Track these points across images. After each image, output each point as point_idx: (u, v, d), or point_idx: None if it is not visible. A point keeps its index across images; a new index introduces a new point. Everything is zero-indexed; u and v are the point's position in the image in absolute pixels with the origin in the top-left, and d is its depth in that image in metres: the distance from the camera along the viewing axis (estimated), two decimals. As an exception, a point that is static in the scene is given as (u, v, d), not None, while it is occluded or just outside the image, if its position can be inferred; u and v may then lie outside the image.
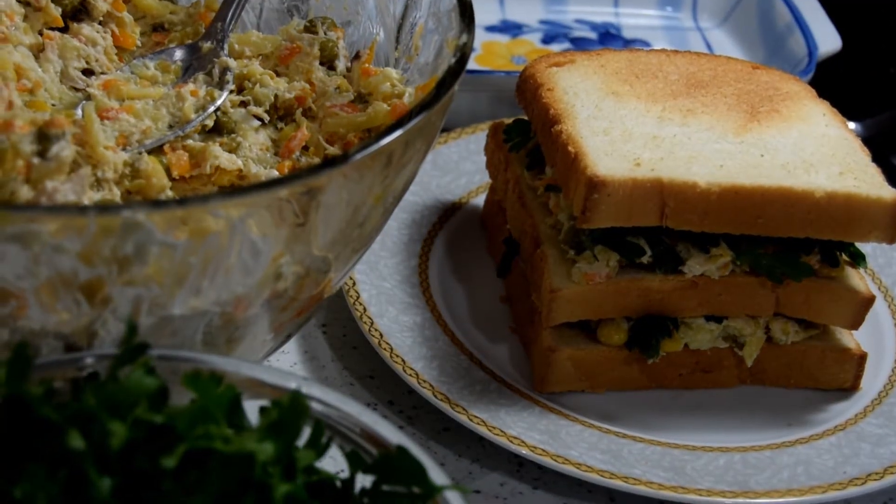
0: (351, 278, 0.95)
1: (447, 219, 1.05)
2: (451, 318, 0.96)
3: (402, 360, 0.89)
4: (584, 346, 0.90)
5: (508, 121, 1.02)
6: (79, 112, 0.82)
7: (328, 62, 0.90)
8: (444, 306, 0.97)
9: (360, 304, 0.93)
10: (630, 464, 0.85)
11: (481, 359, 0.92)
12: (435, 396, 0.87)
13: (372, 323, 0.92)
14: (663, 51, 1.01)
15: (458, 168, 1.09)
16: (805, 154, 0.91)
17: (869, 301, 0.91)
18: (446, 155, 1.09)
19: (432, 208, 1.05)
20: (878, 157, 0.93)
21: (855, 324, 0.93)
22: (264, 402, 0.61)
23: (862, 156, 0.92)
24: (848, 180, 0.89)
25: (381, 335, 0.91)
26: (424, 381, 0.88)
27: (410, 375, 0.88)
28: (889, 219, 0.88)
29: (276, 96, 0.87)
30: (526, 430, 0.86)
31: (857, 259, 0.93)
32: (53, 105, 0.84)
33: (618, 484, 0.83)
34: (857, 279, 0.92)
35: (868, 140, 0.95)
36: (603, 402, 0.91)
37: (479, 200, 1.07)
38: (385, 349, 0.90)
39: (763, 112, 0.94)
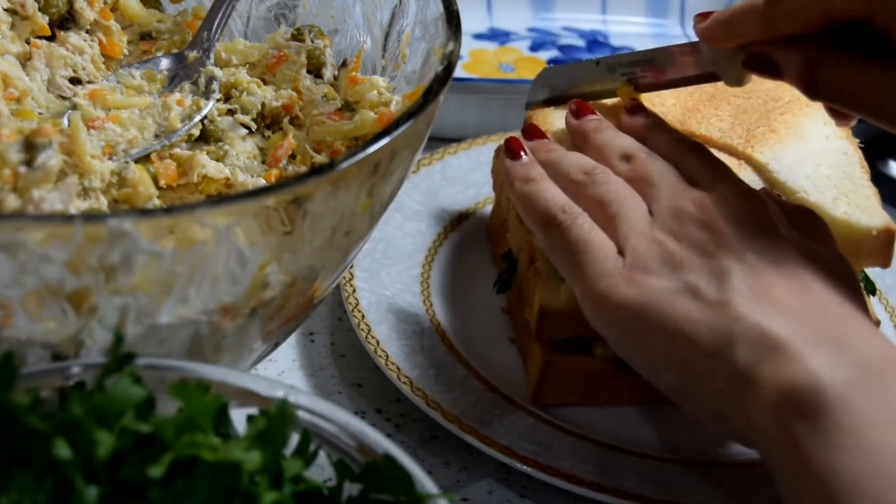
0: (351, 285, 0.95)
1: (453, 229, 1.05)
2: (451, 327, 0.95)
3: (398, 368, 0.89)
4: (579, 359, 0.90)
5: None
6: (65, 121, 0.81)
7: (315, 70, 0.91)
8: (445, 315, 0.96)
9: (359, 311, 0.93)
10: (621, 477, 0.84)
11: (478, 369, 0.92)
12: (427, 405, 0.87)
13: (369, 330, 0.92)
14: None
15: (466, 178, 1.08)
16: (800, 178, 0.90)
17: (875, 325, 0.91)
18: (455, 165, 1.09)
19: (438, 218, 1.05)
20: (869, 167, 0.93)
21: None
22: (252, 411, 0.61)
23: (860, 174, 0.92)
24: (840, 206, 0.89)
25: (377, 342, 0.91)
26: (418, 390, 0.87)
27: (404, 383, 0.88)
28: (880, 246, 0.88)
29: (263, 104, 0.87)
30: (517, 440, 0.86)
31: (868, 286, 0.93)
32: (40, 114, 0.84)
33: (606, 497, 0.83)
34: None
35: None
36: (599, 415, 0.91)
37: (487, 211, 1.06)
38: (381, 356, 0.90)
39: (758, 135, 0.94)
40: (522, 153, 0.87)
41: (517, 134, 0.90)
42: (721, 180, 0.81)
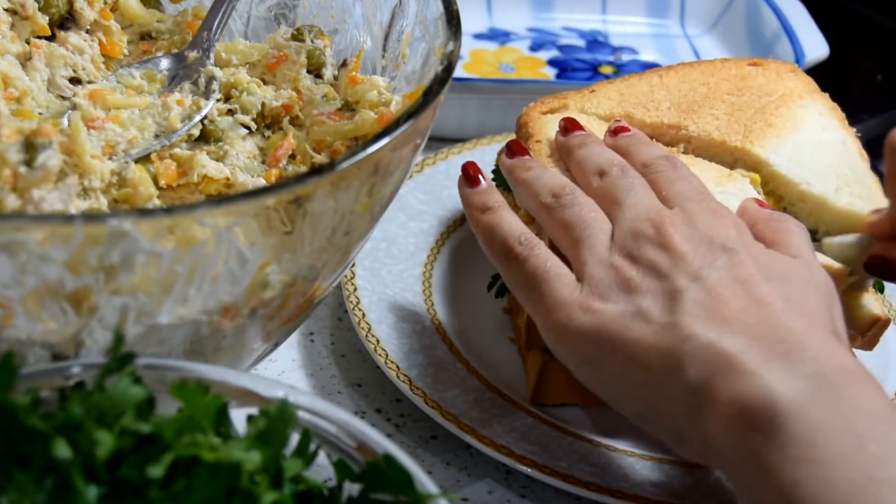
0: (352, 284, 0.95)
1: (456, 229, 1.05)
2: (452, 326, 0.95)
3: (397, 367, 0.89)
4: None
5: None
6: (65, 121, 0.81)
7: (315, 70, 0.90)
8: (446, 315, 0.96)
9: (360, 309, 0.93)
10: (619, 478, 0.84)
11: (478, 368, 0.92)
12: (426, 403, 0.87)
13: (370, 329, 0.92)
14: (655, 71, 1.00)
15: None
16: (801, 170, 0.90)
17: (885, 324, 0.90)
18: (459, 165, 1.08)
19: (442, 218, 1.05)
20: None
21: (869, 345, 0.92)
22: (252, 411, 0.61)
23: (859, 163, 0.92)
24: (843, 197, 0.89)
25: (377, 341, 0.91)
26: (417, 388, 0.87)
27: (403, 382, 0.88)
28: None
29: (263, 104, 0.87)
30: (516, 440, 0.86)
31: (877, 283, 0.93)
32: (40, 114, 0.84)
33: (605, 497, 0.83)
34: (874, 301, 0.91)
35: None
36: (598, 415, 0.91)
37: None
38: (381, 355, 0.89)
39: (756, 130, 0.93)
40: (480, 177, 0.87)
41: (481, 154, 0.89)
42: (690, 199, 0.80)
